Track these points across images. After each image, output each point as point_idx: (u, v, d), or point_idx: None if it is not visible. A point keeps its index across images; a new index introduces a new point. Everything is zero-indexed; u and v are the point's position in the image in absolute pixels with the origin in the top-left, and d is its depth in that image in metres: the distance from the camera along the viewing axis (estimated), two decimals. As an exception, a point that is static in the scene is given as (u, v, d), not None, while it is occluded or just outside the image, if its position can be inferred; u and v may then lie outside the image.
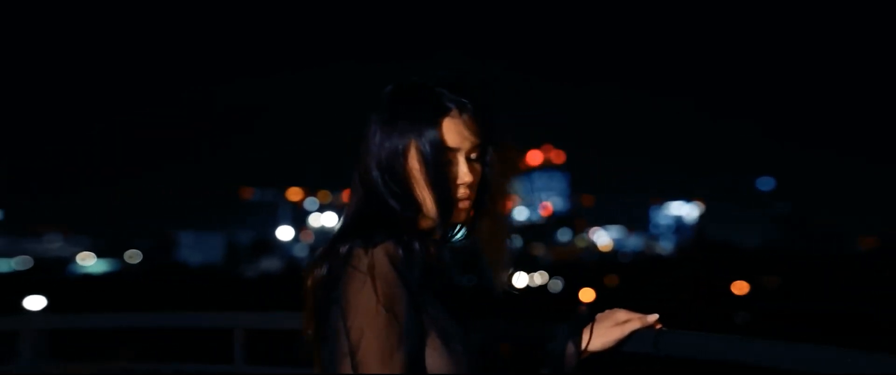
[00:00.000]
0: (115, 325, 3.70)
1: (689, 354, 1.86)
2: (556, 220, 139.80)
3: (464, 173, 1.76)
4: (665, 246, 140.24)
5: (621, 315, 1.93)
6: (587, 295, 68.91)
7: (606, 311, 1.95)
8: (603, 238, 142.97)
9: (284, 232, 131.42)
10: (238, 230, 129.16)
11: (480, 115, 1.79)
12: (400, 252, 1.61)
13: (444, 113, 1.75)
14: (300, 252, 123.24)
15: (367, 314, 1.58)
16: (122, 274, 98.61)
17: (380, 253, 1.59)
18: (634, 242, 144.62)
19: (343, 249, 1.64)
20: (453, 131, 1.76)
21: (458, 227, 1.83)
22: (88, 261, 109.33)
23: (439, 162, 1.73)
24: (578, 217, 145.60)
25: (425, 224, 1.76)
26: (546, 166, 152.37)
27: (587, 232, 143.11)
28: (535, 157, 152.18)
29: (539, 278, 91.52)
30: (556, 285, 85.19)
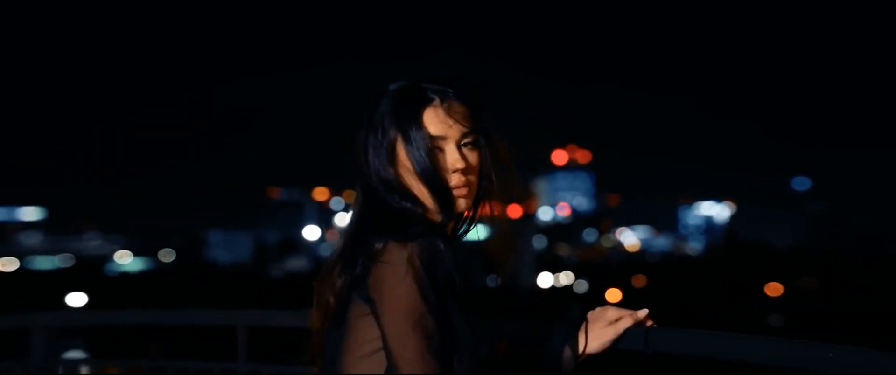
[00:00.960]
0: (116, 324, 3.77)
1: (680, 351, 1.83)
2: (581, 220, 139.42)
3: (454, 160, 1.75)
4: (694, 246, 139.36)
5: (612, 313, 1.91)
6: (613, 295, 68.54)
7: (597, 310, 1.93)
8: (630, 238, 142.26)
9: (311, 232, 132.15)
10: (265, 230, 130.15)
11: (466, 102, 1.78)
12: (437, 246, 1.60)
13: (426, 103, 1.76)
14: (326, 251, 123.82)
15: (405, 310, 1.56)
16: (157, 272, 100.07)
17: (417, 249, 1.59)
18: (662, 242, 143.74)
19: (378, 245, 1.61)
20: (436, 119, 1.75)
21: (463, 221, 1.82)
22: (126, 260, 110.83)
23: (425, 150, 1.72)
24: (604, 217, 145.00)
25: (433, 219, 1.75)
26: (571, 166, 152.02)
27: (613, 232, 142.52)
28: (560, 157, 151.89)
29: (564, 278, 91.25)
30: (582, 285, 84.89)
